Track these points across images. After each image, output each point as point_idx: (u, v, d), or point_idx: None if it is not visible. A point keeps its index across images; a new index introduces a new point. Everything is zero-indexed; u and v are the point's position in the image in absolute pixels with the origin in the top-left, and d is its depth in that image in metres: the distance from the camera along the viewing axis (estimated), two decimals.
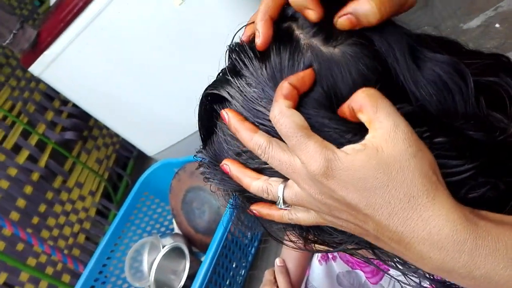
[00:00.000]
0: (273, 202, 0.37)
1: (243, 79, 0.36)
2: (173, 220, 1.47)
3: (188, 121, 1.58)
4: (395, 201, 0.30)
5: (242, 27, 0.41)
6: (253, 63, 0.36)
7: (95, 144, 2.15)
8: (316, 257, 0.74)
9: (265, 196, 0.36)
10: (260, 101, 0.35)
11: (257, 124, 0.36)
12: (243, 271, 1.27)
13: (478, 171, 0.32)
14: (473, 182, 0.33)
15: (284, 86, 0.33)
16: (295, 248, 0.44)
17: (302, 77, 0.33)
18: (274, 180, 0.36)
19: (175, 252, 1.30)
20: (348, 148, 0.31)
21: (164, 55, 1.40)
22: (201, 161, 0.43)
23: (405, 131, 0.30)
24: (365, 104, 0.31)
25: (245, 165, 0.38)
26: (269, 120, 0.34)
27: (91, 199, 1.98)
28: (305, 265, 0.80)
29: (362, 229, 0.33)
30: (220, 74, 0.41)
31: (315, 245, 0.41)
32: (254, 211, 0.39)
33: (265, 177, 0.36)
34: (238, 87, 0.37)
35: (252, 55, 0.37)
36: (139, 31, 1.36)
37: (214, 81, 0.41)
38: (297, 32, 0.36)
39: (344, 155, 0.30)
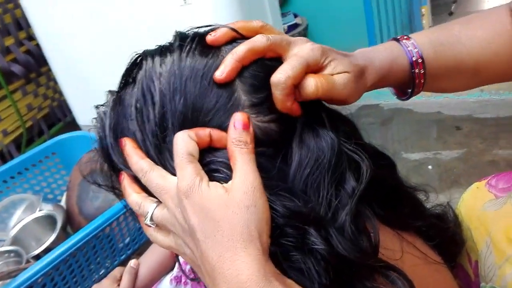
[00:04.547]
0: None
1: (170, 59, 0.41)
2: (65, 193, 1.41)
3: None
4: (220, 236, 0.34)
5: (212, 27, 0.44)
6: (191, 56, 0.41)
7: (36, 90, 2.07)
8: (170, 275, 0.73)
9: (135, 209, 0.41)
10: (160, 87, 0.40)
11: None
12: (102, 271, 1.21)
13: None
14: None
15: (202, 133, 0.38)
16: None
17: (223, 139, 0.38)
18: (150, 199, 0.40)
19: (49, 221, 1.24)
20: (213, 183, 0.37)
21: (141, 42, 1.42)
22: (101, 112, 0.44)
23: (248, 185, 0.35)
24: (233, 157, 0.37)
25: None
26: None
27: (1, 137, 1.87)
28: (157, 278, 0.78)
29: (194, 257, 0.37)
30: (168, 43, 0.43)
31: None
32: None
33: (145, 194, 0.40)
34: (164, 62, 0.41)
35: (198, 50, 0.41)
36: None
37: (159, 47, 0.44)
38: (240, 93, 0.40)
39: (206, 186, 0.36)
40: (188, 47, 0.41)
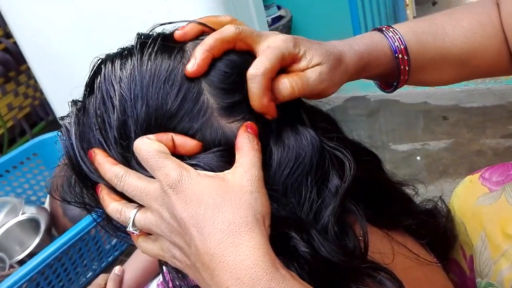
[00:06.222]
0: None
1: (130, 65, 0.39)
2: (48, 195, 1.38)
3: None
4: (220, 222, 0.32)
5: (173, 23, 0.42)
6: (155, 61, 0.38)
7: (16, 89, 2.01)
8: (157, 280, 0.71)
9: (117, 217, 0.38)
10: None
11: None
12: (89, 274, 1.18)
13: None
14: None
15: (164, 138, 0.36)
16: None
17: (187, 144, 0.37)
18: (131, 204, 0.38)
19: (32, 224, 1.21)
20: (203, 171, 0.34)
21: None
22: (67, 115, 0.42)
23: (253, 175, 0.34)
24: (241, 148, 0.36)
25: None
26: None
27: None
28: (143, 284, 0.76)
29: (185, 257, 0.35)
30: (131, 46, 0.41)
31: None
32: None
33: (125, 201, 0.38)
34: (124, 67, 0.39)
35: (159, 51, 0.39)
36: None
37: (121, 50, 0.41)
38: (208, 96, 0.37)
39: (196, 174, 0.34)
40: (149, 49, 0.38)
